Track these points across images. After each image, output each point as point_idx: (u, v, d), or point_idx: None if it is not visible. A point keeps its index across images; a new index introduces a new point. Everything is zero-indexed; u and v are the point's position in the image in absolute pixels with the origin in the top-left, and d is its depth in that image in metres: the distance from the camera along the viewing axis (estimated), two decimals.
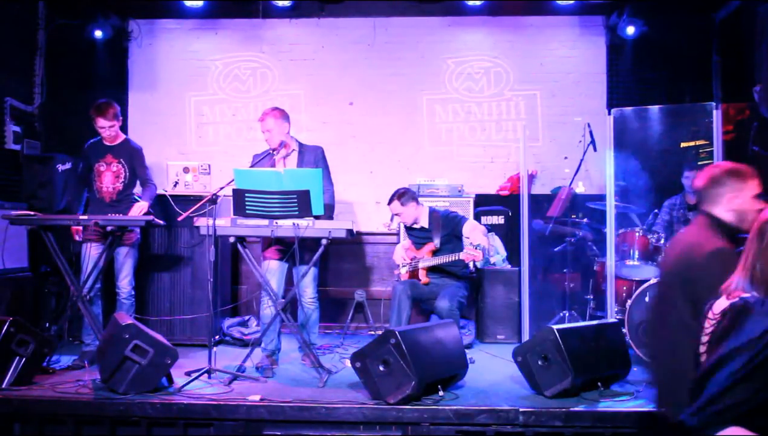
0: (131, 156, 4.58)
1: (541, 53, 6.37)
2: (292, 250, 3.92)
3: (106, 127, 4.48)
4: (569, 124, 6.11)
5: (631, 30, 5.98)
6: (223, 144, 6.48)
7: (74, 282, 4.28)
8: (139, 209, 4.41)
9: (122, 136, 4.64)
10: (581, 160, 5.51)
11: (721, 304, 2.02)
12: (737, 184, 2.62)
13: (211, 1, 6.23)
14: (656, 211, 5.29)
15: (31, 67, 6.14)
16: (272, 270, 4.29)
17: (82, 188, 4.66)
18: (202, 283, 5.00)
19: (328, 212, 4.30)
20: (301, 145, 4.44)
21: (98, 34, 6.18)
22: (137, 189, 4.65)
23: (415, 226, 4.79)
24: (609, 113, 4.50)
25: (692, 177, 5.15)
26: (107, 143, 4.57)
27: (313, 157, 4.38)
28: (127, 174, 4.57)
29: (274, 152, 4.30)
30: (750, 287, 1.99)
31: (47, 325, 5.11)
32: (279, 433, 3.39)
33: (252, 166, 4.27)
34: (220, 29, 6.51)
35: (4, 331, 3.62)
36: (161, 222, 4.41)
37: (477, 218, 5.64)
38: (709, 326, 2.03)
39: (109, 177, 4.54)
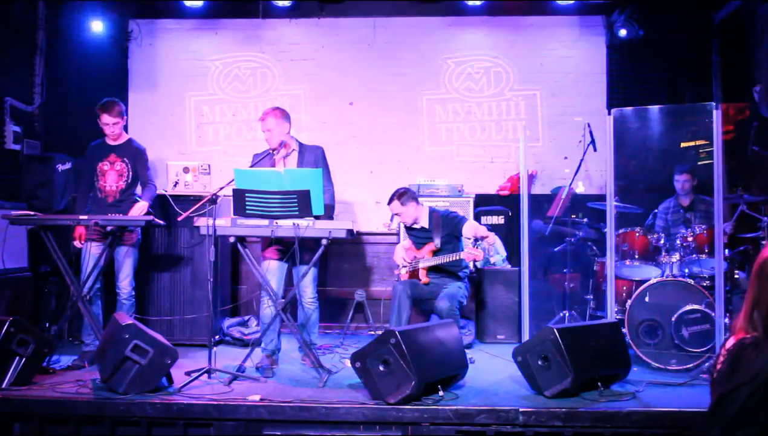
0: (135, 156, 4.58)
1: (541, 53, 6.37)
2: (292, 250, 3.92)
3: (110, 124, 4.48)
4: (569, 124, 6.10)
5: (630, 30, 5.97)
6: (223, 144, 6.48)
7: (74, 282, 4.28)
8: (140, 209, 4.41)
9: (126, 136, 4.64)
10: (581, 160, 5.51)
11: (729, 342, 1.99)
12: None
13: (211, 1, 6.23)
14: (656, 211, 5.29)
15: (31, 67, 6.13)
16: (272, 270, 4.29)
17: (87, 189, 4.62)
18: (202, 283, 4.99)
19: (328, 212, 4.30)
20: (301, 145, 4.44)
21: (98, 34, 6.18)
22: (138, 189, 4.64)
23: (415, 226, 4.79)
24: (609, 113, 4.49)
25: (683, 180, 5.14)
26: (111, 143, 4.57)
27: (313, 157, 4.38)
28: (131, 173, 4.56)
29: (274, 152, 4.30)
30: (749, 328, 1.97)
31: (47, 325, 5.11)
32: (279, 433, 3.39)
33: (252, 166, 4.27)
34: (220, 29, 6.51)
35: (4, 331, 3.62)
36: (161, 222, 4.41)
37: (477, 217, 5.65)
38: (719, 363, 2.01)
39: (113, 176, 4.54)
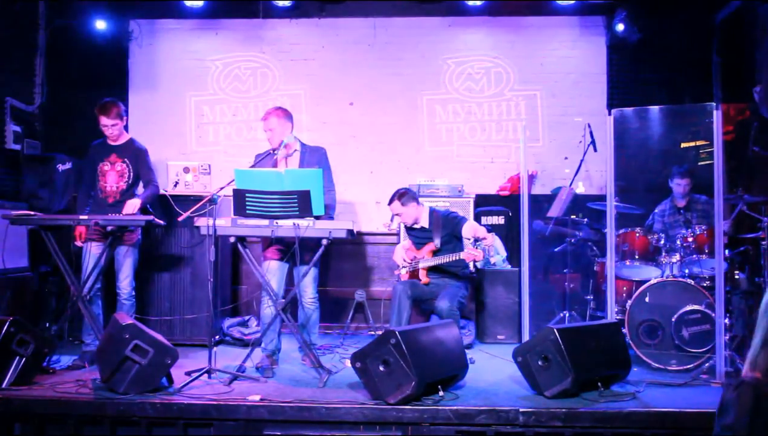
0: (136, 156, 4.57)
1: (541, 53, 6.37)
2: (292, 250, 3.92)
3: (109, 126, 4.48)
4: (569, 124, 6.10)
5: (631, 30, 5.97)
6: (223, 144, 6.48)
7: (74, 282, 4.27)
8: (132, 207, 4.37)
9: (127, 136, 4.63)
10: (581, 160, 5.51)
11: None
12: None
13: (211, 1, 6.23)
14: (654, 212, 5.29)
15: (31, 67, 6.14)
16: (273, 270, 4.30)
17: (88, 189, 4.61)
18: (202, 283, 4.99)
19: (329, 213, 4.31)
20: (303, 145, 4.45)
21: (99, 34, 6.17)
22: (140, 190, 4.63)
23: (415, 226, 4.79)
24: (609, 114, 4.49)
25: (684, 184, 5.13)
26: (112, 143, 4.56)
27: (315, 158, 4.39)
28: (131, 174, 4.55)
29: (275, 152, 4.31)
30: (750, 369, 1.88)
31: (47, 325, 5.11)
32: (279, 433, 3.39)
33: (254, 166, 4.28)
34: (220, 29, 6.51)
35: (4, 331, 3.62)
36: (161, 222, 4.41)
37: (477, 218, 5.64)
38: None
39: (113, 176, 4.53)
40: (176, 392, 3.62)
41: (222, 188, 3.98)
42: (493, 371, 4.27)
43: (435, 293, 4.59)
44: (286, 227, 3.91)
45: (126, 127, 4.72)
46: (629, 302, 4.50)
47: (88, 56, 6.28)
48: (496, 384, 3.90)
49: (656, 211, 5.27)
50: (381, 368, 3.45)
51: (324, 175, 4.20)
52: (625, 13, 5.89)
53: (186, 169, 5.13)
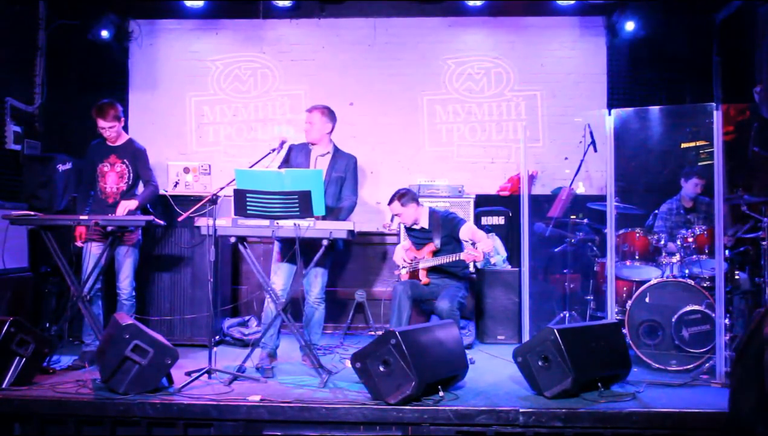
0: (135, 157, 4.57)
1: (541, 54, 6.37)
2: (293, 250, 3.92)
3: (106, 128, 4.48)
4: (570, 124, 6.11)
5: (631, 30, 5.98)
6: (224, 144, 6.49)
7: (74, 282, 4.27)
8: (124, 208, 4.36)
9: (126, 137, 4.62)
10: (581, 160, 5.51)
11: None
12: None
13: (211, 1, 6.25)
14: (656, 211, 5.28)
15: (32, 67, 6.14)
16: (281, 269, 4.34)
17: (87, 189, 4.61)
18: (202, 283, 4.99)
19: (343, 216, 4.35)
20: (336, 149, 4.54)
21: (99, 34, 6.18)
22: (140, 189, 4.63)
23: (415, 226, 4.79)
24: (609, 114, 4.49)
25: (701, 184, 5.12)
26: (111, 144, 4.56)
27: (344, 163, 4.48)
28: (131, 175, 4.55)
29: (273, 151, 4.32)
30: None
31: (47, 325, 5.10)
32: (279, 433, 3.39)
33: (287, 156, 4.46)
34: (220, 29, 6.51)
35: (4, 331, 3.62)
36: (161, 222, 4.40)
37: (477, 218, 5.64)
38: None
39: (113, 177, 4.53)
40: (176, 392, 3.62)
41: (222, 188, 3.98)
42: (493, 371, 4.26)
43: (435, 294, 4.59)
44: (286, 227, 3.91)
45: (126, 128, 4.71)
46: (629, 303, 4.50)
47: (88, 56, 6.28)
48: (496, 384, 3.89)
49: (662, 209, 5.23)
50: (381, 369, 3.45)
51: (348, 183, 4.41)
52: (625, 16, 5.90)
53: (186, 170, 5.13)
